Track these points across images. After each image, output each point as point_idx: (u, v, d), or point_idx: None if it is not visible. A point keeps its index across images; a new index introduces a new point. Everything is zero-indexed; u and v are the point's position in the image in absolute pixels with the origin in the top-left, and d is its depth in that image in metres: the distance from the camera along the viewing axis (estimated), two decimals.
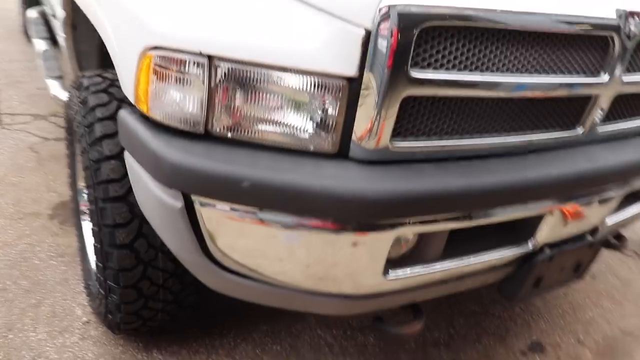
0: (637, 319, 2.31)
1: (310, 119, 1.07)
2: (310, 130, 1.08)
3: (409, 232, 1.14)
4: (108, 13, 1.27)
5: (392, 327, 1.38)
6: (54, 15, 2.38)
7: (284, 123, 1.08)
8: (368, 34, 1.00)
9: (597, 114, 1.40)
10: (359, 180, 1.05)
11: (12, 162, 2.86)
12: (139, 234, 1.45)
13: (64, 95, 2.40)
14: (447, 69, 1.08)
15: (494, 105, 1.20)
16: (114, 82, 1.57)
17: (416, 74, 1.04)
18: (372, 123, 1.05)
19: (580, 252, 1.56)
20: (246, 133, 1.08)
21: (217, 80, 1.04)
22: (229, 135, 1.08)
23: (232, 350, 1.87)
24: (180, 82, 1.06)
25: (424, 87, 1.06)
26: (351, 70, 1.03)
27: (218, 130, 1.08)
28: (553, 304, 2.33)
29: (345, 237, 1.08)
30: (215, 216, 1.08)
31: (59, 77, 2.55)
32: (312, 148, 1.09)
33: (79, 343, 1.82)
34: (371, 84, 1.03)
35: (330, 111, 1.06)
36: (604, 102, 1.38)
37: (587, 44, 1.24)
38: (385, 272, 1.18)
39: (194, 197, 1.08)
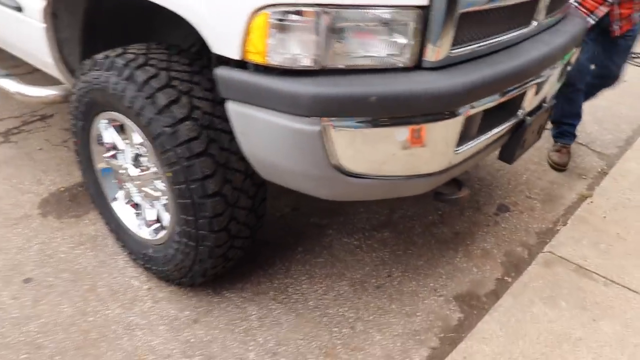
0: (554, 173, 3.00)
1: (397, 43, 1.40)
2: (398, 51, 1.41)
3: (472, 112, 1.54)
4: None
5: (451, 196, 1.81)
6: None
7: (378, 49, 1.40)
8: None
9: (542, 11, 1.90)
10: (440, 80, 1.43)
11: None
12: (225, 180, 1.69)
13: (27, 89, 2.38)
14: None
15: (497, 14, 1.63)
16: (148, 55, 1.73)
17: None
18: (442, 37, 1.42)
19: (541, 117, 2.09)
20: (352, 62, 1.39)
21: (328, 24, 1.33)
22: (341, 66, 1.38)
23: (287, 273, 2.18)
24: (297, 30, 1.33)
25: (470, 6, 1.45)
26: (423, 0, 1.38)
27: (331, 64, 1.37)
28: (498, 175, 2.94)
29: (440, 124, 1.46)
30: (345, 132, 1.39)
31: (9, 75, 2.48)
32: (400, 65, 1.43)
33: (155, 306, 2.01)
34: (437, 8, 1.39)
35: (410, 34, 1.40)
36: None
37: None
38: (456, 148, 1.58)
39: (325, 120, 1.37)
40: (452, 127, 1.52)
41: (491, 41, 1.64)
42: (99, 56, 1.81)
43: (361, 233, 2.42)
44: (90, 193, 2.23)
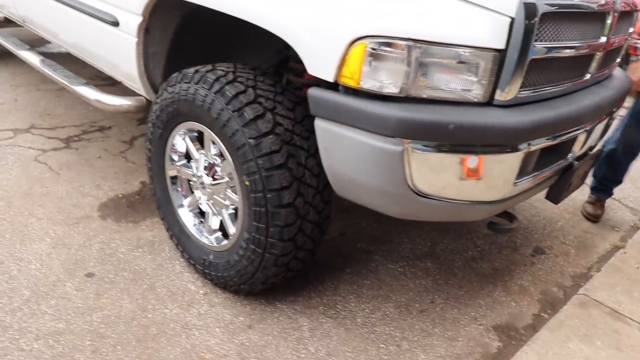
0: (587, 224, 3.14)
1: (474, 80, 1.58)
2: (473, 88, 1.59)
3: (531, 149, 1.71)
4: (300, 20, 1.63)
5: (503, 226, 1.96)
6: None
7: (457, 84, 1.58)
8: (512, 20, 1.54)
9: (595, 66, 2.08)
10: (513, 117, 1.60)
11: (27, 175, 2.92)
12: (298, 193, 1.85)
13: (105, 97, 2.59)
14: (547, 40, 1.66)
15: (559, 64, 1.81)
16: (236, 73, 1.93)
17: (537, 45, 1.61)
18: (515, 78, 1.60)
19: (587, 164, 2.25)
20: (433, 93, 1.57)
21: (417, 57, 1.51)
22: (423, 96, 1.56)
23: (335, 291, 2.31)
24: (390, 60, 1.51)
25: (539, 54, 1.63)
26: (501, 44, 1.56)
27: (414, 92, 1.55)
28: (534, 220, 3.08)
29: (504, 156, 1.62)
30: (422, 155, 1.55)
31: (87, 83, 2.70)
32: (474, 100, 1.61)
33: (211, 310, 2.14)
34: (512, 53, 1.57)
35: (486, 73, 1.58)
36: (599, 57, 2.06)
37: (596, 18, 1.89)
38: (515, 181, 1.74)
39: (406, 142, 1.54)
40: (514, 160, 1.68)
41: (552, 88, 1.82)
42: (190, 70, 2.00)
43: (405, 261, 2.56)
44: (156, 199, 2.39)
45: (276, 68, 2.40)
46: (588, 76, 2.04)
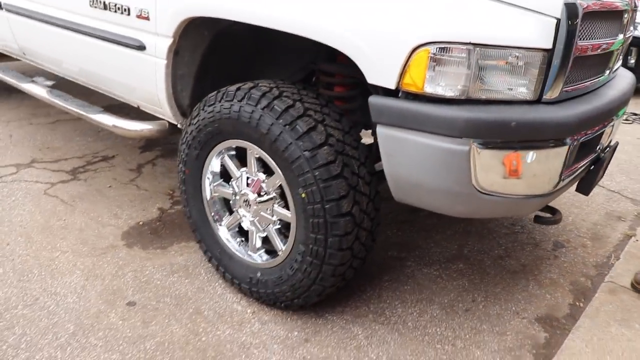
0: (596, 216, 3.30)
1: (526, 79, 1.69)
2: (526, 86, 1.70)
3: (575, 143, 1.82)
4: (360, 31, 1.69)
5: (550, 218, 2.06)
6: None
7: (511, 83, 1.68)
8: (558, 20, 1.66)
9: (613, 61, 2.23)
10: (563, 112, 1.71)
11: (40, 209, 2.87)
12: (355, 201, 1.91)
13: (125, 123, 2.59)
14: (586, 38, 1.79)
15: (592, 60, 1.94)
16: (280, 88, 1.98)
17: (580, 42, 1.73)
18: (560, 76, 1.71)
19: (609, 156, 2.39)
20: (490, 95, 1.67)
21: (476, 59, 1.61)
22: (482, 97, 1.65)
23: (379, 299, 2.36)
24: (453, 64, 1.60)
25: (581, 51, 1.75)
26: (548, 44, 1.67)
27: (473, 94, 1.64)
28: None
29: (557, 150, 1.73)
30: (488, 152, 1.64)
31: (102, 111, 2.69)
32: (527, 98, 1.71)
33: (263, 327, 2.15)
34: (558, 51, 1.69)
35: (536, 72, 1.69)
36: (617, 53, 2.22)
37: (616, 17, 2.05)
38: (562, 173, 1.85)
39: (472, 142, 1.62)
40: (563, 153, 1.79)
41: (586, 83, 1.95)
42: (231, 88, 2.04)
43: (438, 264, 2.63)
44: (191, 222, 2.39)
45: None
46: (607, 72, 2.18)
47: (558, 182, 1.82)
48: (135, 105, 2.68)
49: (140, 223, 2.82)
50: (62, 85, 3.35)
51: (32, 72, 3.62)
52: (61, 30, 2.70)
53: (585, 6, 1.69)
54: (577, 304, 2.45)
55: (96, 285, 2.33)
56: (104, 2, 2.40)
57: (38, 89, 3.07)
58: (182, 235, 2.73)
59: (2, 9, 3.05)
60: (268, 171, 2.07)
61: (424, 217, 3.08)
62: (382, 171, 1.88)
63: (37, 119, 4.10)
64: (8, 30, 3.13)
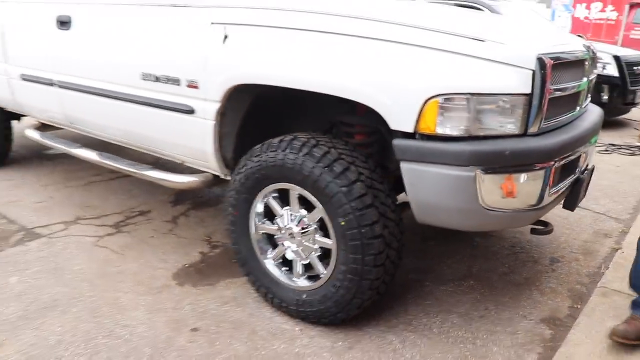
0: (586, 234, 3.86)
1: (513, 117, 2.26)
2: (513, 123, 2.26)
3: (557, 165, 2.38)
4: (385, 90, 2.25)
5: (542, 229, 2.61)
6: None
7: (501, 121, 2.25)
8: (533, 71, 2.25)
9: (583, 100, 2.83)
10: (544, 141, 2.28)
11: (94, 259, 3.33)
12: (384, 226, 2.44)
13: (174, 177, 3.13)
14: (556, 83, 2.38)
15: (565, 99, 2.53)
16: (316, 138, 2.53)
17: (551, 86, 2.32)
18: (540, 114, 2.29)
19: (588, 177, 2.96)
20: (486, 132, 2.23)
21: (473, 106, 2.18)
22: (480, 133, 2.22)
23: (406, 312, 2.84)
24: (456, 110, 2.17)
25: (553, 93, 2.35)
26: (527, 90, 2.25)
27: (473, 132, 2.21)
28: (542, 237, 3.75)
29: (542, 171, 2.28)
30: (489, 176, 2.19)
31: (151, 167, 3.22)
32: (515, 132, 2.28)
33: (311, 340, 2.62)
34: (535, 95, 2.27)
35: (520, 111, 2.26)
36: (584, 93, 2.82)
37: (579, 64, 2.66)
38: (550, 190, 2.40)
39: (476, 168, 2.18)
40: (548, 173, 2.35)
41: (559, 118, 2.53)
42: (274, 140, 2.59)
43: (452, 283, 3.14)
44: (239, 257, 2.89)
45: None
46: (578, 108, 2.78)
47: (545, 198, 2.37)
48: (180, 161, 3.22)
49: (186, 265, 3.30)
50: (93, 146, 3.89)
51: (71, 138, 4.16)
52: (111, 100, 3.26)
53: (552, 59, 2.28)
54: (575, 306, 2.96)
55: (160, 317, 2.79)
56: (156, 75, 2.96)
57: (89, 153, 3.60)
58: (225, 273, 3.21)
59: (53, 85, 3.61)
60: (307, 207, 2.59)
61: (434, 245, 3.61)
62: (403, 202, 2.43)
63: (71, 182, 4.62)
64: (58, 103, 3.68)
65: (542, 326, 2.76)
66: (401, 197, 2.60)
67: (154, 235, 3.66)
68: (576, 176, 2.73)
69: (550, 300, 3.00)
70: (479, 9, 8.44)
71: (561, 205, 2.81)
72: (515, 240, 3.72)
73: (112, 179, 4.71)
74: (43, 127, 4.25)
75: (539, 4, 21.35)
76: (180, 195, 4.36)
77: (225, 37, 2.66)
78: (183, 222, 3.89)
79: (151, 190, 4.44)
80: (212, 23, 2.72)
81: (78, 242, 3.55)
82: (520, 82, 2.22)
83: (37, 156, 5.37)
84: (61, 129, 4.15)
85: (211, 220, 3.95)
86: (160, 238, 3.63)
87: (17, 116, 4.71)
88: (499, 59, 2.19)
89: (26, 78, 3.89)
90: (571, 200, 2.77)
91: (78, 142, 3.87)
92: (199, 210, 4.13)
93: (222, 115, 2.80)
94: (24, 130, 4.37)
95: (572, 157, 2.58)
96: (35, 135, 4.10)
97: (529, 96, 2.24)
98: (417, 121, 2.20)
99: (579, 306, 2.95)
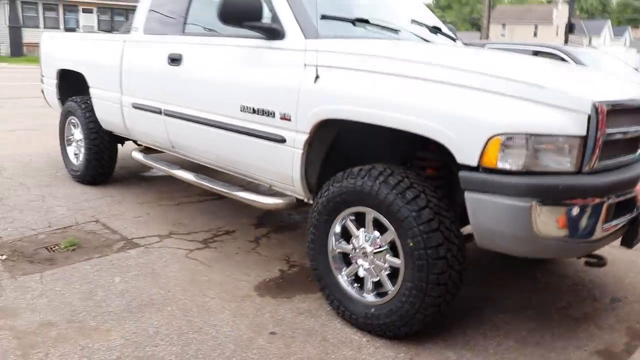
0: None
1: (568, 156, 2.60)
2: (568, 161, 2.60)
3: (610, 202, 2.68)
4: (454, 129, 2.65)
5: (597, 261, 2.89)
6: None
7: (557, 160, 2.58)
8: (589, 116, 2.59)
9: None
10: (597, 179, 2.60)
11: (186, 268, 3.84)
12: (448, 249, 2.80)
13: (262, 198, 3.62)
14: (611, 127, 2.70)
15: (623, 142, 2.84)
16: (390, 168, 2.94)
17: (609, 130, 2.65)
18: (594, 154, 2.62)
19: None
20: (542, 168, 2.58)
21: (532, 144, 2.54)
22: (537, 169, 2.56)
23: (465, 333, 3.15)
24: (516, 148, 2.53)
25: (609, 136, 2.67)
26: (583, 132, 2.59)
27: (531, 167, 2.55)
28: (605, 277, 3.96)
29: (593, 206, 2.60)
30: (544, 207, 2.53)
31: (241, 189, 3.73)
32: (569, 170, 2.61)
33: (377, 350, 2.97)
34: (590, 137, 2.60)
35: (576, 153, 2.60)
36: None
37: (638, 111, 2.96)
38: (603, 225, 2.70)
39: (532, 200, 2.52)
40: (601, 209, 2.65)
41: (620, 159, 2.83)
42: (354, 169, 3.03)
43: (510, 312, 3.42)
44: (316, 273, 3.31)
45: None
46: (638, 152, 3.06)
47: (597, 232, 2.67)
48: (268, 185, 3.72)
49: (267, 280, 3.75)
50: (188, 168, 4.47)
51: (169, 161, 4.78)
52: (212, 128, 3.82)
53: (609, 105, 2.61)
54: (633, 343, 3.17)
55: (243, 321, 3.24)
56: (253, 108, 3.50)
57: (186, 174, 4.18)
58: (301, 288, 3.63)
59: (161, 113, 4.24)
60: (380, 229, 3.00)
61: (496, 278, 3.90)
62: (467, 234, 2.79)
63: (164, 201, 5.24)
64: (163, 129, 4.30)
65: (596, 357, 3.00)
66: (466, 230, 2.95)
67: (238, 252, 4.16)
68: (634, 215, 3.00)
69: (607, 335, 3.22)
70: (563, 59, 8.77)
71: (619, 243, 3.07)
72: (577, 278, 3.95)
73: (200, 201, 5.30)
74: (146, 150, 4.90)
75: (629, 48, 21.11)
76: (262, 219, 4.87)
77: (317, 77, 3.15)
78: (264, 243, 4.37)
79: (235, 213, 4.98)
80: (306, 65, 3.23)
81: (171, 253, 4.10)
82: (577, 125, 2.56)
83: (135, 177, 6.07)
84: (160, 152, 4.78)
85: (290, 243, 4.41)
86: (243, 255, 4.11)
87: (122, 140, 5.42)
88: (556, 104, 2.54)
89: (137, 106, 4.56)
90: (629, 237, 3.03)
91: (177, 165, 4.46)
92: (279, 234, 4.61)
93: (310, 145, 3.27)
94: (131, 152, 5.05)
95: (630, 196, 2.86)
96: (139, 156, 4.75)
97: (584, 138, 2.57)
98: (481, 156, 2.58)
99: (636, 343, 3.16)
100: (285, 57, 3.37)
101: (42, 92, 6.41)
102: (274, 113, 3.38)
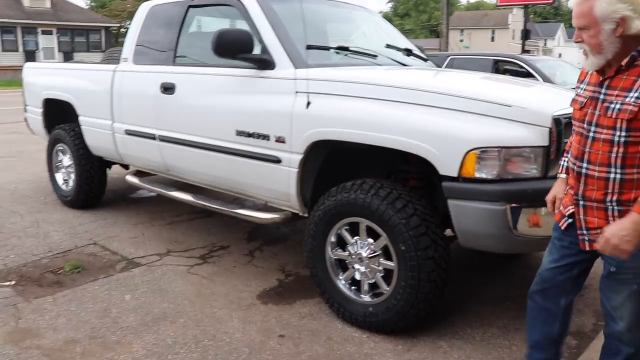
0: None
1: (534, 164, 3.09)
2: (535, 168, 3.09)
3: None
4: (437, 145, 3.11)
5: None
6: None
7: (525, 168, 3.07)
8: (550, 129, 3.09)
9: None
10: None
11: (189, 283, 4.20)
12: (436, 249, 3.26)
13: (259, 214, 4.02)
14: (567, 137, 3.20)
15: None
16: (379, 183, 3.39)
17: (564, 140, 3.15)
18: (555, 161, 3.11)
19: None
20: (513, 175, 3.06)
21: (503, 156, 3.02)
22: (509, 177, 3.05)
23: (453, 325, 3.62)
24: (490, 159, 3.01)
25: (561, 145, 3.17)
26: (546, 143, 3.08)
27: (503, 176, 3.03)
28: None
29: None
30: (517, 209, 3.00)
31: (240, 206, 4.12)
32: (536, 175, 3.10)
33: (377, 344, 3.39)
34: (552, 146, 3.10)
35: (541, 161, 3.09)
36: None
37: None
38: None
39: (506, 204, 2.99)
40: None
41: None
42: (347, 184, 3.46)
43: (492, 304, 3.89)
44: (316, 278, 3.72)
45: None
46: None
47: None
48: (264, 201, 4.12)
49: (267, 289, 4.14)
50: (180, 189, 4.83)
51: (164, 183, 5.14)
52: (208, 152, 4.19)
53: (567, 118, 3.11)
54: (599, 323, 3.68)
55: (252, 327, 3.62)
56: (249, 132, 3.90)
57: (184, 195, 4.55)
58: (300, 295, 4.03)
59: (155, 139, 4.61)
60: (373, 236, 3.43)
61: (477, 276, 4.38)
62: (450, 236, 3.25)
63: (157, 221, 5.58)
64: (157, 154, 4.66)
65: (569, 338, 3.49)
66: (447, 233, 3.41)
67: (236, 265, 4.54)
68: None
69: (577, 318, 3.72)
70: (522, 66, 9.45)
71: None
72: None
73: (191, 219, 5.66)
74: (139, 174, 5.24)
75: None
76: (252, 233, 5.26)
77: (309, 103, 3.58)
78: (259, 255, 4.76)
79: (226, 229, 5.36)
80: (297, 92, 3.66)
81: (173, 269, 4.45)
82: (540, 137, 3.04)
83: (123, 199, 6.38)
84: (152, 174, 5.14)
85: (283, 254, 4.81)
86: (241, 267, 4.50)
87: (110, 164, 5.74)
88: (522, 120, 3.03)
89: (130, 132, 4.91)
90: None
91: (172, 186, 4.83)
92: (271, 246, 5.01)
93: (304, 164, 3.70)
94: (125, 176, 5.38)
95: None
96: (134, 180, 5.09)
97: (547, 147, 3.06)
98: (460, 168, 3.04)
99: (602, 323, 3.67)
100: (276, 85, 3.79)
101: (26, 120, 6.67)
102: (269, 136, 3.79)
